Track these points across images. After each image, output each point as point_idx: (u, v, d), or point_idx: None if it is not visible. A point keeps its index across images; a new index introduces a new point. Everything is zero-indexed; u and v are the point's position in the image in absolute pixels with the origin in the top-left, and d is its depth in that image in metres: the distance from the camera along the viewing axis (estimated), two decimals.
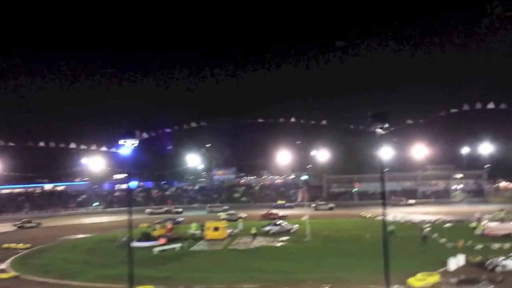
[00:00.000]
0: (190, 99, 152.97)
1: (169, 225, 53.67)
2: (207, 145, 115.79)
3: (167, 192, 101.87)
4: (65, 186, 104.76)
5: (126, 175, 68.32)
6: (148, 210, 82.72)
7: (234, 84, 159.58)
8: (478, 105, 60.18)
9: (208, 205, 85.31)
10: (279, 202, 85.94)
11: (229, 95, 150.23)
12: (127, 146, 25.75)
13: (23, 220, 72.14)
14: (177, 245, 45.05)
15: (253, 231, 49.56)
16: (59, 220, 77.24)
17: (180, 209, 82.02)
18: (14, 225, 69.39)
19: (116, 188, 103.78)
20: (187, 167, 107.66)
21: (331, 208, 76.81)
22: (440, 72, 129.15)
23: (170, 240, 47.52)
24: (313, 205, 78.85)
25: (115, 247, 46.19)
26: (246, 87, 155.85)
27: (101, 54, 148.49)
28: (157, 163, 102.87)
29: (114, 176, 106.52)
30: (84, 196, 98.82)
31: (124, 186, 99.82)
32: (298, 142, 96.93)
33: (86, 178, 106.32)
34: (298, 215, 65.97)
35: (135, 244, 45.27)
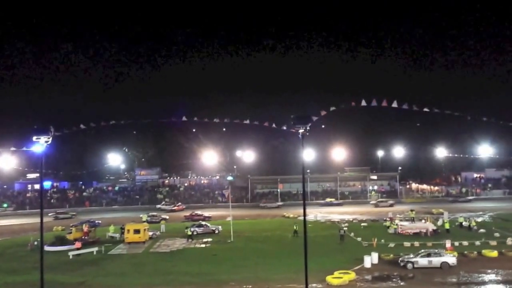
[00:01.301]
0: (113, 96, 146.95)
1: (85, 227, 50.91)
2: (129, 144, 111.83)
3: (85, 193, 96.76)
4: None
5: (39, 174, 64.06)
6: (158, 206, 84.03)
7: (158, 82, 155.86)
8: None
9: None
10: (328, 199, 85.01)
11: (153, 92, 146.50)
12: (40, 143, 23.91)
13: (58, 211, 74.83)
14: (94, 249, 42.96)
15: (189, 232, 48.76)
16: None
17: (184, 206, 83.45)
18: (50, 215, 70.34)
19: (28, 189, 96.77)
20: (107, 167, 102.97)
21: (391, 205, 77.68)
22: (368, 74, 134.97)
23: (87, 244, 45.26)
24: (373, 202, 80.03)
25: (26, 252, 43.54)
26: (170, 85, 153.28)
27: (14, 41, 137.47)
28: (74, 162, 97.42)
29: (26, 175, 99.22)
30: None
31: (37, 186, 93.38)
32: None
33: None
34: (223, 215, 66.03)
35: (49, 248, 42.81)
